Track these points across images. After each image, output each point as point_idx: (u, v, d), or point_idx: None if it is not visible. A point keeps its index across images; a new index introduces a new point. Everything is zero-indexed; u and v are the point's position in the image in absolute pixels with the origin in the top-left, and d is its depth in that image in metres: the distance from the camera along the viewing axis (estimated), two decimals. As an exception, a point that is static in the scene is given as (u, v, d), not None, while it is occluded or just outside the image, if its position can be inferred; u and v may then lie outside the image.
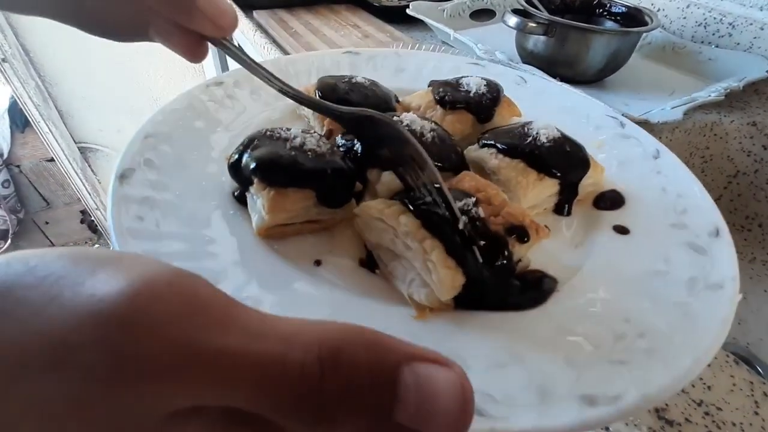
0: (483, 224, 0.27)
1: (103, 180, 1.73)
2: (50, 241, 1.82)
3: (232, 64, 1.08)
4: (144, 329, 0.13)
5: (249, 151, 0.33)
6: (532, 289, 0.28)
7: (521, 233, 0.28)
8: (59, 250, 0.15)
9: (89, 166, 1.67)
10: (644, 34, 0.72)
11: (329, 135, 0.42)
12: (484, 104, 0.44)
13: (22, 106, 1.46)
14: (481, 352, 0.25)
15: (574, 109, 0.52)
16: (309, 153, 0.33)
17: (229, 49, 0.36)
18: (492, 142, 0.39)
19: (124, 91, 1.54)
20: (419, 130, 0.37)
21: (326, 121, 0.43)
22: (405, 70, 0.58)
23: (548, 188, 0.36)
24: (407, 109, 0.47)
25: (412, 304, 0.27)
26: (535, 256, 0.33)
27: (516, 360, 0.24)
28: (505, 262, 0.27)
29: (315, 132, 0.36)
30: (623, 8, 0.70)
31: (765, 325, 0.57)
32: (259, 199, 0.32)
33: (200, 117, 0.42)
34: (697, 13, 0.77)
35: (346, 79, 0.45)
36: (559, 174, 0.36)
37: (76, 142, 1.60)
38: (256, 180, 0.32)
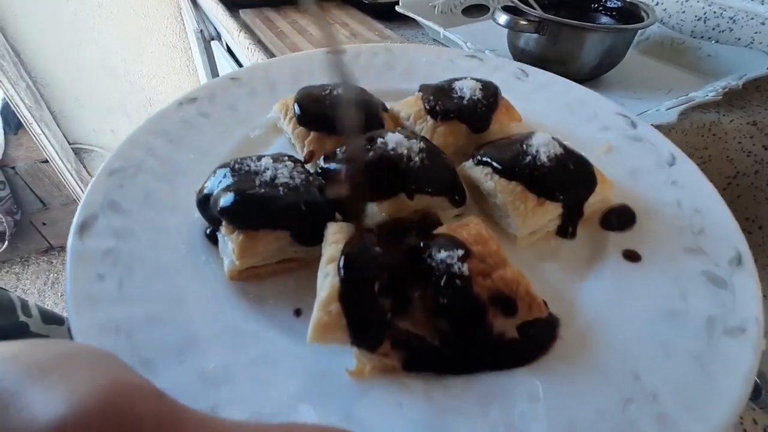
0: (464, 284, 0.24)
1: (99, 180, 1.76)
2: (48, 242, 1.84)
3: (220, 63, 1.03)
4: None
5: (216, 187, 0.30)
6: (519, 349, 0.25)
7: (508, 305, 0.24)
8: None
9: (84, 167, 1.66)
10: (642, 30, 0.66)
11: (310, 157, 0.39)
12: (479, 112, 0.40)
13: (13, 108, 1.43)
14: (470, 428, 0.22)
15: (580, 106, 0.47)
16: (281, 188, 0.30)
17: None
18: (488, 160, 0.35)
19: (117, 91, 1.52)
20: (406, 154, 0.33)
21: (307, 140, 0.40)
22: (395, 67, 0.54)
23: (550, 212, 0.33)
24: (395, 119, 0.44)
25: (356, 358, 0.25)
26: (536, 289, 0.30)
27: (511, 434, 0.22)
28: (476, 331, 0.24)
29: (288, 159, 0.33)
30: (619, 3, 0.66)
31: (765, 334, 0.54)
32: (229, 242, 0.29)
33: (172, 142, 0.39)
34: (697, 7, 0.72)
35: (327, 90, 0.41)
36: (561, 197, 0.33)
37: (70, 143, 1.59)
38: (224, 222, 0.29)
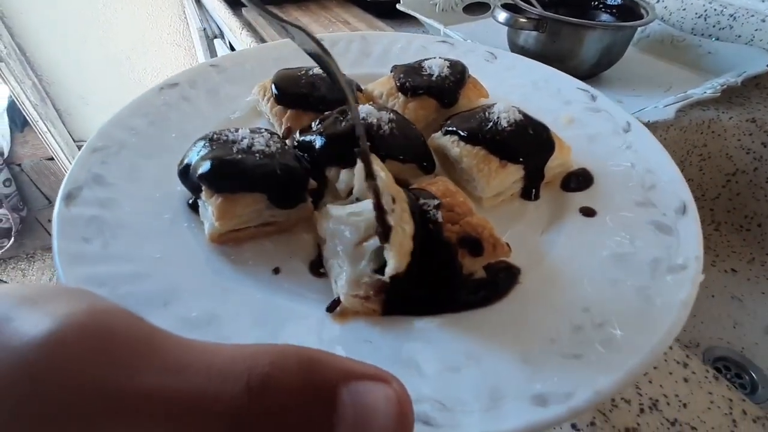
0: (436, 229, 0.26)
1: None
2: (53, 239, 1.90)
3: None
4: (54, 378, 0.13)
5: (195, 156, 0.32)
6: (486, 288, 0.27)
7: (474, 246, 0.26)
8: None
9: (89, 164, 1.72)
10: (642, 27, 0.68)
11: (288, 133, 0.40)
12: (447, 88, 0.42)
13: (19, 106, 1.45)
14: (437, 356, 0.24)
15: (545, 83, 0.50)
16: (257, 155, 0.32)
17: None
18: (454, 129, 0.37)
19: (122, 88, 1.54)
20: (376, 123, 0.35)
21: (284, 118, 0.41)
22: (371, 54, 0.56)
23: (512, 174, 0.35)
24: (370, 98, 0.46)
25: (341, 306, 0.27)
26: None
27: (472, 361, 0.24)
28: (447, 271, 0.26)
29: (266, 131, 0.35)
30: (619, 0, 0.67)
31: (761, 330, 0.53)
32: (209, 206, 0.31)
33: (153, 124, 0.41)
34: (697, 5, 0.73)
35: (303, 71, 0.43)
36: (521, 159, 0.35)
37: (75, 141, 1.61)
38: (203, 187, 0.31)
